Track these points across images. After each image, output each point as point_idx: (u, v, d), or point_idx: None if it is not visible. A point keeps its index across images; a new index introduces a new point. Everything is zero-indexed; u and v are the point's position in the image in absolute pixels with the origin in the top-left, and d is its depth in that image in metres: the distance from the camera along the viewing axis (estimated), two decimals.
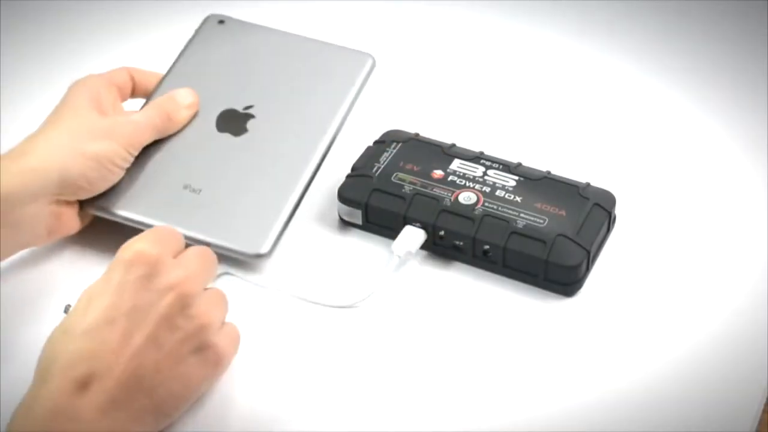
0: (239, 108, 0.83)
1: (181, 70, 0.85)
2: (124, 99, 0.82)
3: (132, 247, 0.66)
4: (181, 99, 0.81)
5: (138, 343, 0.63)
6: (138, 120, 0.79)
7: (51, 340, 0.64)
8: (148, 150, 0.80)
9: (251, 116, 0.82)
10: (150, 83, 0.84)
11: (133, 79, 0.83)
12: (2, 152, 0.87)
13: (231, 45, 0.86)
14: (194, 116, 0.83)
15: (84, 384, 0.61)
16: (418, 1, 1.03)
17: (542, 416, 0.69)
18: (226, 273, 0.77)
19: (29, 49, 0.98)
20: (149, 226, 0.74)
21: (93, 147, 0.75)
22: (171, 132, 0.80)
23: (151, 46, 0.98)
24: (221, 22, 0.88)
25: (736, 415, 0.70)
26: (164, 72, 0.85)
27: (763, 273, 0.78)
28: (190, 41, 0.87)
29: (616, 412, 0.70)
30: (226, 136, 0.81)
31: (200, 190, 0.79)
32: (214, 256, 0.70)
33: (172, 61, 0.86)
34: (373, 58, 0.86)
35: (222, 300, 0.69)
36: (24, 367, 0.66)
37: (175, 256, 0.67)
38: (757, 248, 0.80)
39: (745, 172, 0.86)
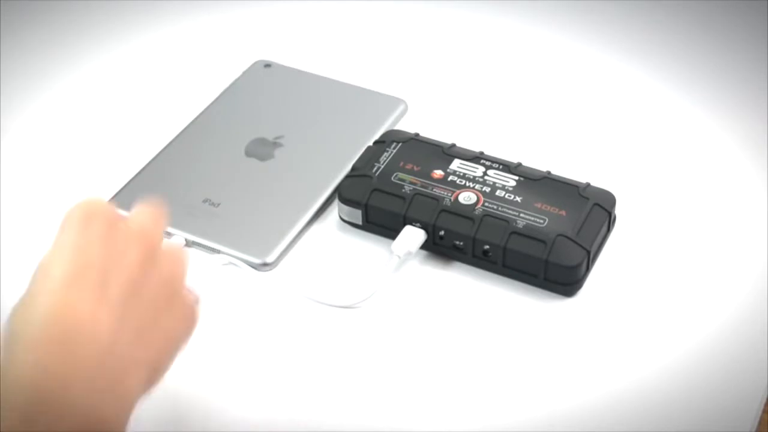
0: (270, 137, 0.87)
1: (222, 103, 0.91)
2: None
3: (80, 204, 0.59)
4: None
5: (116, 293, 0.57)
6: None
7: (14, 312, 0.57)
8: (175, 165, 0.85)
9: (280, 145, 0.86)
10: None
11: None
12: (2, 152, 0.88)
13: (273, 85, 0.92)
14: (224, 143, 0.86)
15: (65, 341, 0.55)
16: (417, 1, 1.03)
17: (542, 416, 0.69)
18: (231, 263, 0.78)
19: (29, 49, 0.98)
20: (166, 232, 0.79)
21: None
22: None
23: (151, 47, 0.99)
24: (267, 66, 0.94)
25: (736, 415, 0.69)
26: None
27: (763, 273, 0.78)
28: (236, 80, 0.93)
29: (616, 412, 0.70)
30: (253, 161, 0.85)
31: (219, 204, 0.82)
32: (163, 215, 0.65)
33: (216, 96, 0.92)
34: (405, 104, 0.91)
35: (183, 253, 0.64)
36: None
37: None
38: (757, 248, 0.80)
39: (745, 172, 0.86)
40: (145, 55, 0.98)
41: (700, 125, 0.90)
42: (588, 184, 0.80)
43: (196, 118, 0.89)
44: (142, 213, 0.63)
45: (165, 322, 0.60)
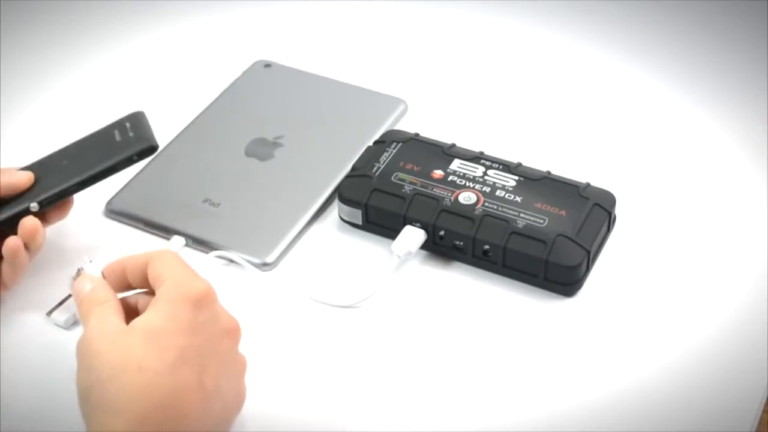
0: (270, 137, 0.87)
1: (222, 103, 0.91)
2: None
3: (193, 284, 0.64)
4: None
5: (208, 388, 0.62)
6: None
7: (117, 374, 0.60)
8: (175, 165, 0.85)
9: (280, 145, 0.86)
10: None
11: None
12: (2, 152, 0.88)
13: (273, 85, 0.92)
14: (224, 143, 0.87)
15: (162, 424, 0.60)
16: (417, 1, 1.03)
17: (542, 416, 0.69)
18: (232, 261, 0.78)
19: (29, 49, 0.98)
20: (166, 232, 0.80)
21: None
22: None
23: (151, 47, 0.99)
24: (267, 66, 0.94)
25: (736, 415, 0.69)
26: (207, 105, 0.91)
27: (763, 273, 0.78)
28: (236, 80, 0.93)
29: (616, 412, 0.70)
30: (253, 161, 0.85)
31: (219, 204, 0.82)
32: None
33: (216, 96, 0.92)
34: (406, 104, 0.91)
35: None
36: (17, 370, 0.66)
37: None
38: (757, 248, 0.80)
39: (745, 172, 0.86)
40: (145, 55, 0.98)
41: (700, 125, 0.90)
42: (588, 184, 0.80)
43: (196, 118, 0.89)
44: (229, 314, 0.66)
45: (234, 399, 0.66)
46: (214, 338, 0.64)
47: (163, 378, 0.61)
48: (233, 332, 0.65)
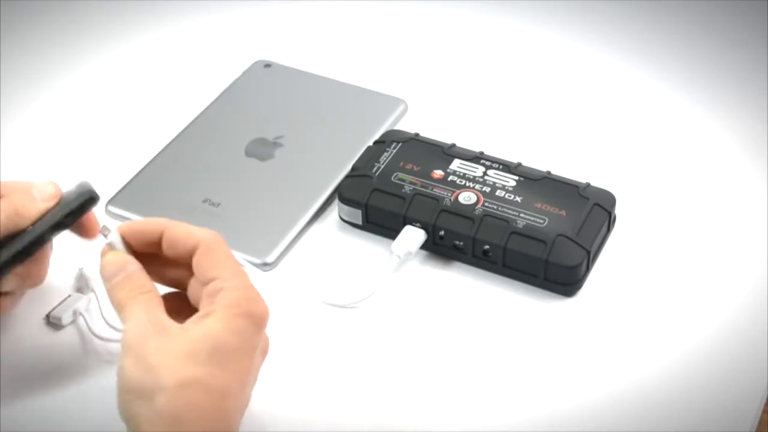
0: (270, 137, 0.87)
1: (222, 103, 0.91)
2: None
3: (259, 303, 0.64)
4: (39, 192, 0.70)
5: (244, 407, 0.64)
6: None
7: (184, 386, 0.60)
8: (175, 165, 0.85)
9: (280, 145, 0.86)
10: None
11: None
12: (2, 152, 0.88)
13: (273, 85, 0.92)
14: (224, 143, 0.86)
15: None
16: (417, 1, 1.03)
17: (542, 416, 0.69)
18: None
19: (29, 49, 0.98)
20: None
21: None
22: (18, 228, 0.68)
23: (151, 47, 0.99)
24: (267, 66, 0.94)
25: (736, 415, 0.69)
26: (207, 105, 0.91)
27: (763, 273, 0.78)
28: (236, 80, 0.93)
29: (616, 412, 0.70)
30: (253, 161, 0.85)
31: (219, 204, 0.82)
32: None
33: (216, 96, 0.92)
34: (406, 104, 0.91)
35: None
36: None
37: None
38: (757, 248, 0.80)
39: (745, 172, 0.86)
40: (145, 55, 0.98)
41: (700, 125, 0.90)
42: (588, 184, 0.80)
43: (196, 118, 0.89)
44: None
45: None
46: (259, 360, 0.65)
47: (228, 400, 0.61)
48: (267, 350, 0.67)
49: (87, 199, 0.70)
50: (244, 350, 0.62)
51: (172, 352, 0.61)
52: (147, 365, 0.60)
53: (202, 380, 0.60)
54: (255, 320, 0.63)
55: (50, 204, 0.69)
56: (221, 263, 0.64)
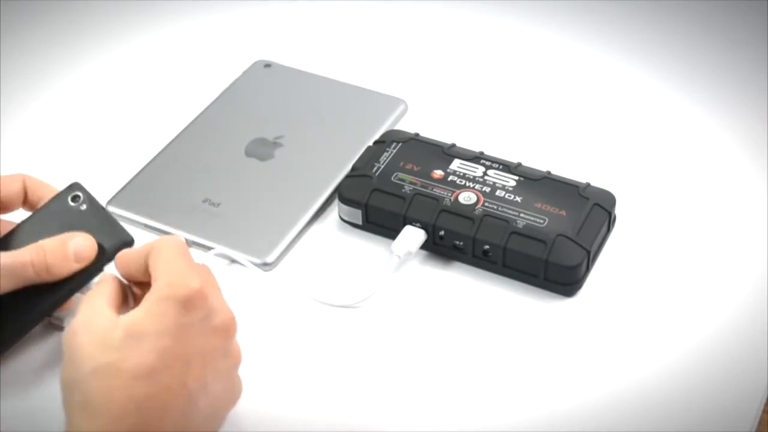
0: (270, 137, 0.87)
1: (222, 103, 0.91)
2: (7, 210, 0.73)
3: (185, 283, 0.62)
4: (73, 250, 0.68)
5: (191, 388, 0.62)
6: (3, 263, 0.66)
7: (95, 372, 0.60)
8: (175, 165, 0.85)
9: (280, 145, 0.86)
10: (43, 195, 0.72)
11: (25, 190, 0.73)
12: (2, 152, 0.88)
13: (273, 85, 0.92)
14: (224, 143, 0.86)
15: (140, 426, 0.60)
16: (417, 1, 1.03)
17: (542, 416, 0.69)
18: (232, 260, 0.78)
19: (29, 49, 0.98)
20: (166, 232, 0.80)
21: None
22: (44, 281, 0.68)
23: (151, 47, 0.99)
24: (267, 66, 0.94)
25: (736, 415, 0.69)
26: (207, 105, 0.91)
27: (763, 273, 0.78)
28: (236, 80, 0.93)
29: (616, 412, 0.70)
30: (253, 161, 0.85)
31: (219, 204, 0.82)
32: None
33: (216, 96, 0.92)
34: (406, 104, 0.91)
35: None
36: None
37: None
38: (757, 248, 0.80)
39: (745, 172, 0.86)
40: (145, 55, 0.98)
41: (700, 125, 0.90)
42: (588, 184, 0.80)
43: (196, 118, 0.89)
44: (225, 308, 0.65)
45: (219, 404, 0.65)
46: (203, 338, 0.62)
47: (141, 381, 0.60)
48: (226, 328, 0.64)
49: (122, 245, 0.69)
50: (165, 331, 0.61)
51: (92, 342, 0.61)
52: (70, 357, 0.61)
53: (113, 364, 0.60)
54: (180, 301, 0.61)
55: (84, 265, 0.69)
56: (162, 257, 0.64)
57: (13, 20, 1.01)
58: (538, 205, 0.78)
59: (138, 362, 0.60)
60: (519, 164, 0.81)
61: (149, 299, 0.62)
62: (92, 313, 0.63)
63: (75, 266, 0.68)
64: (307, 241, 0.81)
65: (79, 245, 0.68)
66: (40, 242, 0.68)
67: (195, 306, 0.62)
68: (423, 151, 0.82)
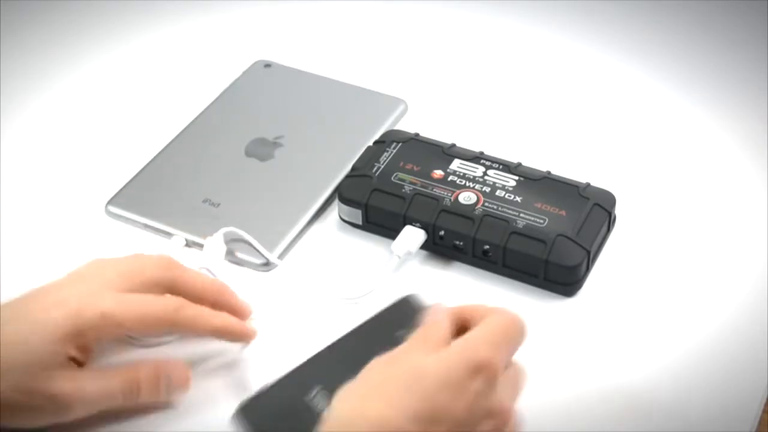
0: (270, 137, 0.87)
1: (222, 103, 0.91)
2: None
3: (483, 350, 0.60)
4: (167, 385, 0.68)
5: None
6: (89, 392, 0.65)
7: (371, 394, 0.59)
8: (175, 165, 0.85)
9: (280, 145, 0.86)
10: (197, 290, 0.70)
11: (174, 282, 0.69)
12: (2, 152, 0.88)
13: (273, 85, 0.92)
14: (224, 143, 0.86)
15: None
16: (417, 1, 1.03)
17: (542, 416, 0.69)
18: (232, 260, 0.78)
19: (29, 49, 0.98)
20: (166, 232, 0.79)
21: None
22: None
23: (151, 47, 0.99)
24: (267, 66, 0.94)
25: (736, 415, 0.69)
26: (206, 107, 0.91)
27: (763, 273, 0.78)
28: (236, 80, 0.93)
29: (615, 411, 0.70)
30: (253, 161, 0.85)
31: (219, 204, 0.82)
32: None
33: (216, 96, 0.92)
34: (406, 104, 0.91)
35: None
36: None
37: (510, 359, 0.63)
38: (757, 248, 0.80)
39: (745, 172, 0.86)
40: (145, 55, 0.98)
41: (700, 125, 0.90)
42: (588, 184, 0.80)
43: (196, 118, 0.89)
44: (517, 373, 0.63)
45: None
46: (476, 411, 0.59)
47: (401, 423, 0.58)
48: (500, 417, 0.60)
49: None
50: (442, 386, 0.59)
51: (364, 375, 0.61)
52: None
53: (382, 402, 0.59)
54: (472, 363, 0.59)
55: (173, 394, 0.68)
56: (487, 320, 0.63)
57: (13, 20, 1.01)
58: (538, 205, 0.78)
59: (406, 407, 0.58)
60: (519, 164, 0.81)
61: (447, 351, 0.60)
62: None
63: (165, 399, 0.68)
64: (307, 241, 0.81)
65: (176, 374, 0.68)
66: (135, 371, 0.66)
67: (484, 376, 0.59)
68: (423, 151, 0.82)
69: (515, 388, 0.63)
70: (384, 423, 0.57)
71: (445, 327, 0.63)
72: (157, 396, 0.67)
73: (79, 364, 0.66)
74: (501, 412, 0.60)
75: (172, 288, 0.68)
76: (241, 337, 0.70)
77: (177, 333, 0.69)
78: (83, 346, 0.66)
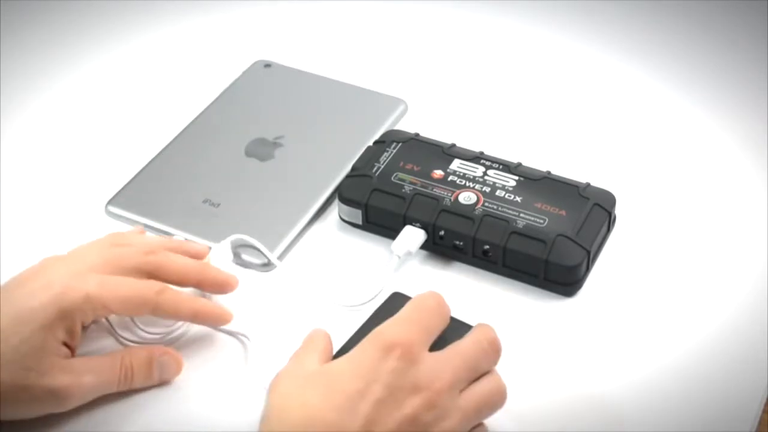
0: (270, 137, 0.87)
1: (222, 103, 0.91)
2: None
3: (391, 331, 0.61)
4: (160, 372, 0.70)
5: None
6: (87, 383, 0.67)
7: (283, 407, 0.60)
8: (175, 165, 0.85)
9: (280, 145, 0.86)
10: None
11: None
12: (2, 152, 0.88)
13: (273, 85, 0.92)
14: (224, 143, 0.86)
15: None
16: (417, 1, 1.03)
17: (542, 416, 0.69)
18: (232, 260, 0.78)
19: (29, 49, 0.98)
20: (167, 233, 0.80)
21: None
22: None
23: (151, 47, 0.99)
24: (267, 66, 0.94)
25: (736, 415, 0.69)
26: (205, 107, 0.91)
27: (763, 273, 0.78)
28: (236, 80, 0.93)
29: (615, 411, 0.70)
30: (253, 161, 0.85)
31: (219, 204, 0.82)
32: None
33: (216, 96, 0.92)
34: (405, 104, 0.91)
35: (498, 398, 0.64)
36: None
37: (430, 337, 0.63)
38: (757, 248, 0.80)
39: (745, 172, 0.86)
40: (145, 55, 0.98)
41: (700, 125, 0.90)
42: (588, 184, 0.80)
43: (196, 118, 0.89)
44: (439, 362, 0.62)
45: None
46: (398, 392, 0.59)
47: (324, 416, 0.59)
48: (426, 392, 0.60)
49: None
50: (356, 375, 0.61)
51: (286, 384, 0.63)
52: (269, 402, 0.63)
53: (299, 401, 0.61)
54: (381, 345, 0.61)
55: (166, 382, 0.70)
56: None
57: (13, 20, 1.01)
58: (538, 205, 0.78)
59: (324, 399, 0.60)
60: (519, 164, 0.81)
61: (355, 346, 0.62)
62: (300, 363, 0.63)
63: (157, 382, 0.70)
64: (308, 241, 0.81)
65: (165, 365, 0.70)
66: (129, 358, 0.68)
67: (396, 354, 0.60)
68: (423, 151, 0.82)
69: (489, 395, 0.64)
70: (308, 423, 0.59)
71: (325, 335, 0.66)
72: (150, 381, 0.69)
73: (69, 348, 0.67)
74: (427, 387, 0.60)
75: (154, 273, 0.70)
76: (219, 320, 0.72)
77: (158, 315, 0.70)
78: (70, 330, 0.67)
